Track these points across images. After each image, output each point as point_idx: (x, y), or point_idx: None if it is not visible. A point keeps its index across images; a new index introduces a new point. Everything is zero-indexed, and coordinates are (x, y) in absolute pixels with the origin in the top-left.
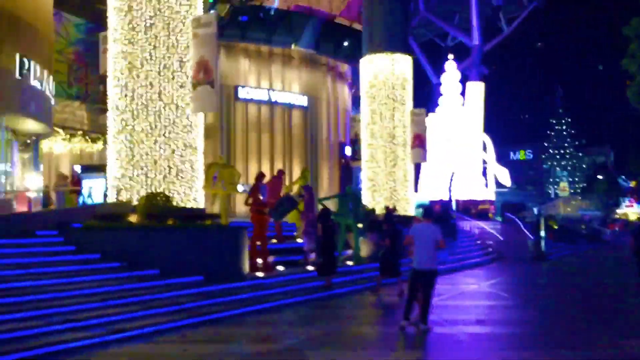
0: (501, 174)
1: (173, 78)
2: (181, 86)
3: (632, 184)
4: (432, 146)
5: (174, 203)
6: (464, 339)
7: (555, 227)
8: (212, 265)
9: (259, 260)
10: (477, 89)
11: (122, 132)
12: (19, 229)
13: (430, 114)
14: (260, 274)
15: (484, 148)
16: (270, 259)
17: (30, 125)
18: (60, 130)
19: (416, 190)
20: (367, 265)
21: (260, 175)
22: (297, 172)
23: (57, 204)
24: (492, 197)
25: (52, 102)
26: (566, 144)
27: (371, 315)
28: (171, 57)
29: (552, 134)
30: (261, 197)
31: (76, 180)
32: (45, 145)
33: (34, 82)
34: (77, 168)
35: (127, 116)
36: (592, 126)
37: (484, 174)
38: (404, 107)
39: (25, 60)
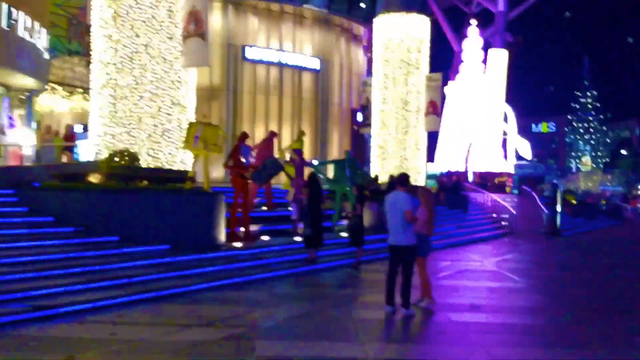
0: (522, 146)
1: (161, 29)
2: (170, 38)
3: None
4: (450, 115)
5: (159, 164)
6: (449, 329)
7: (574, 201)
8: (181, 234)
9: (241, 229)
10: (500, 57)
11: (105, 87)
12: None
13: (450, 82)
14: (239, 244)
15: (505, 119)
16: (255, 227)
17: (20, 79)
18: (58, 87)
19: (432, 161)
20: (365, 237)
21: (243, 135)
22: (306, 139)
23: (42, 160)
24: (511, 170)
25: (46, 56)
26: (590, 118)
27: (351, 295)
28: (159, 5)
29: (577, 106)
30: (243, 159)
31: (69, 137)
32: (45, 102)
33: (23, 34)
34: (79, 127)
35: (111, 69)
36: (618, 100)
37: (504, 145)
38: (419, 71)
39: (14, 9)
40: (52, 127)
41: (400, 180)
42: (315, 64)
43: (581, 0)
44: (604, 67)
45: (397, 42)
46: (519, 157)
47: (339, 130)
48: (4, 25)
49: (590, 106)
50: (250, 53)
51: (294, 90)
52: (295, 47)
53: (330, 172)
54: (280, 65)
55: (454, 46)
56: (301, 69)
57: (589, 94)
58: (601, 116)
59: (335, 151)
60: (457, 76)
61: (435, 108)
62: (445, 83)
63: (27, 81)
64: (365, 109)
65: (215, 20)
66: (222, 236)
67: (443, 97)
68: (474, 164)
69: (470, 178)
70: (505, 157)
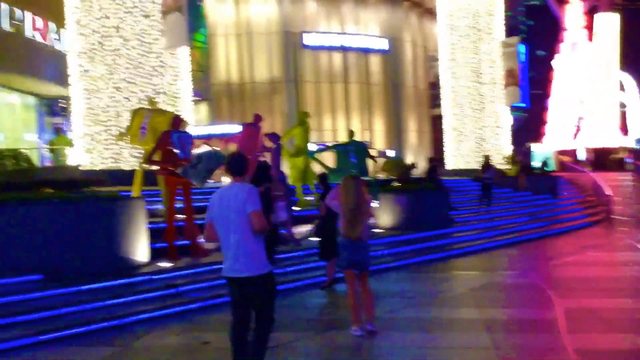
0: None
1: (134, 6)
2: (146, 16)
3: None
4: (559, 90)
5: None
6: None
7: None
8: (65, 257)
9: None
10: (609, 21)
11: (81, 79)
12: None
13: (556, 56)
14: (166, 265)
15: (622, 88)
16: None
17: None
18: None
19: (540, 141)
20: (395, 238)
21: (175, 120)
22: (378, 127)
23: None
24: (632, 144)
25: None
26: None
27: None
28: None
29: None
30: (176, 151)
31: None
32: None
33: (32, 35)
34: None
35: (83, 60)
36: None
37: (624, 118)
38: (491, 37)
39: (16, 9)
40: None
41: (232, 166)
42: (383, 44)
43: None
44: None
45: (463, 5)
46: None
47: (415, 115)
48: (6, 25)
49: None
50: (309, 39)
51: (360, 76)
52: (360, 28)
53: (332, 160)
54: (344, 50)
55: (555, 14)
56: (367, 51)
57: None
58: None
59: (413, 138)
60: (561, 45)
61: (514, 77)
62: (552, 57)
63: (47, 87)
64: (435, 86)
65: (271, 8)
66: (142, 255)
67: (524, 66)
68: (586, 141)
69: (581, 156)
70: (626, 130)
